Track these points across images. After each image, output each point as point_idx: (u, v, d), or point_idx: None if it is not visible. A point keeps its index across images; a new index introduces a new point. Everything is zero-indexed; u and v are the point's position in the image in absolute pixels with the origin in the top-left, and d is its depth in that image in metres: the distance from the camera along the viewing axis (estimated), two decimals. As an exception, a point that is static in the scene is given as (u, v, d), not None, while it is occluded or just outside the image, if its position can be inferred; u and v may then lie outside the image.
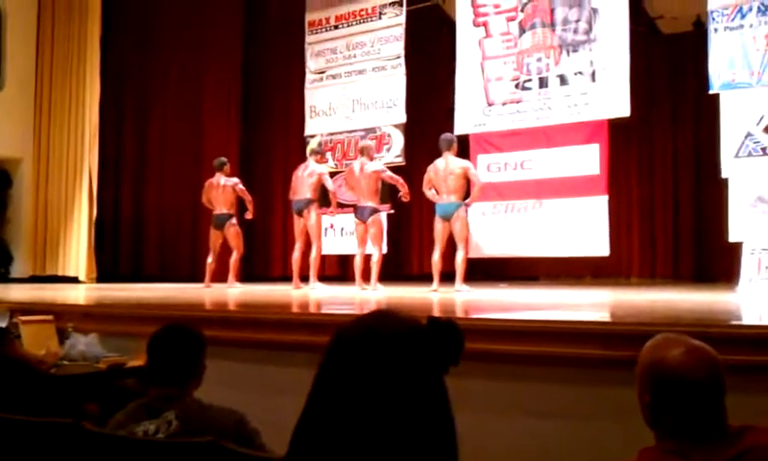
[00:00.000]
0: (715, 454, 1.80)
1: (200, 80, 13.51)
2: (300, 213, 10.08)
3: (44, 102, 13.19)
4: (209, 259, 10.61)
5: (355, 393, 1.21)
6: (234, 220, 10.63)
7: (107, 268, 12.64)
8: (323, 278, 10.59)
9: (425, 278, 9.79)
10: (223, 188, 10.58)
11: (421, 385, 1.23)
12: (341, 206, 10.55)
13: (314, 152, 10.57)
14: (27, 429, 2.45)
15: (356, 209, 9.69)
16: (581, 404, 3.84)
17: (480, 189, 9.11)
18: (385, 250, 9.89)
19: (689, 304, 6.53)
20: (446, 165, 8.98)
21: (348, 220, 10.52)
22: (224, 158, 10.93)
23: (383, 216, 9.86)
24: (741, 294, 8.13)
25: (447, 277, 9.08)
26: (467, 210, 9.08)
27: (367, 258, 9.59)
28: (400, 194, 9.64)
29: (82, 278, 12.35)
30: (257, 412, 2.85)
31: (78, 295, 9.17)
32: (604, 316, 5.89)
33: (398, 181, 9.59)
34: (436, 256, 9.03)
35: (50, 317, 5.57)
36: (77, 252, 12.53)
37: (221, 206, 10.56)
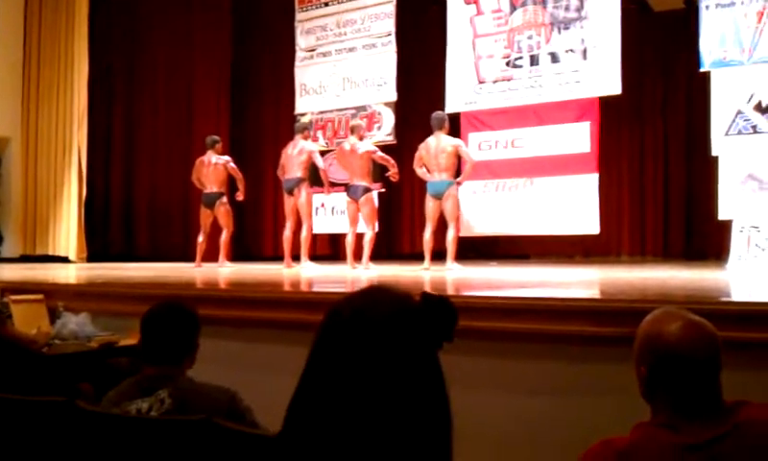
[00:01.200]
0: (710, 429, 1.82)
1: (189, 58, 13.43)
2: (290, 192, 10.05)
3: (32, 81, 13.09)
4: (200, 238, 10.59)
5: (349, 370, 1.21)
6: (225, 199, 10.59)
7: (97, 247, 12.61)
8: (314, 257, 10.60)
9: (417, 256, 9.81)
10: (214, 166, 10.53)
11: (416, 361, 1.23)
12: (332, 184, 10.54)
13: (300, 129, 10.52)
14: (20, 408, 2.46)
15: (348, 188, 9.68)
16: (572, 381, 3.86)
17: (472, 167, 9.11)
18: (377, 229, 9.89)
19: (680, 282, 6.56)
20: (438, 143, 8.97)
21: (340, 199, 10.51)
22: (216, 137, 10.88)
23: (375, 195, 9.85)
24: (731, 271, 8.18)
25: (439, 255, 9.10)
26: (458, 189, 9.08)
27: (359, 237, 9.59)
28: (390, 173, 9.63)
29: (72, 257, 12.31)
30: (250, 390, 2.86)
31: (68, 274, 9.15)
32: (594, 293, 5.92)
33: (389, 161, 9.58)
34: (427, 235, 9.03)
35: (40, 296, 5.56)
36: (67, 231, 12.49)
37: (211, 185, 10.52)
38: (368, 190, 9.51)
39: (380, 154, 9.62)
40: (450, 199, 8.89)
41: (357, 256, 9.49)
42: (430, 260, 8.92)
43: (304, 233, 10.01)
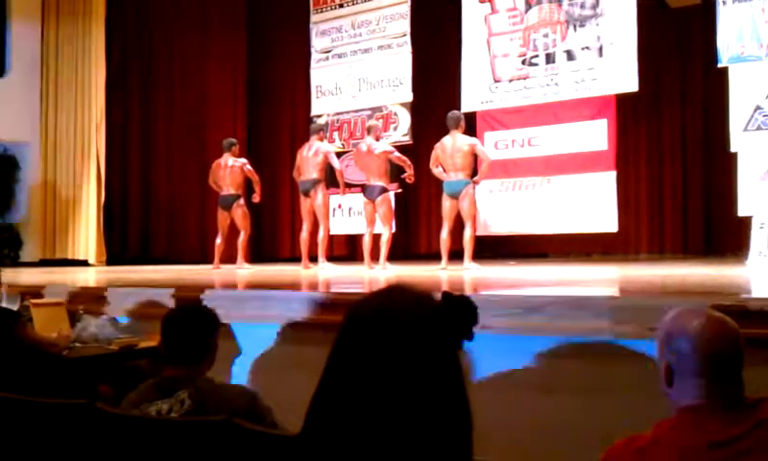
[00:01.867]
0: (732, 426, 1.81)
1: (205, 60, 13.48)
2: (306, 194, 10.05)
3: (50, 85, 13.18)
4: (218, 240, 10.62)
5: (369, 370, 1.21)
6: (242, 201, 10.61)
7: (116, 251, 12.67)
8: (331, 257, 10.61)
9: (434, 256, 9.79)
10: (231, 169, 10.56)
11: (436, 360, 1.23)
12: (348, 185, 10.54)
13: (315, 130, 10.53)
14: (41, 411, 2.47)
15: (365, 189, 9.67)
16: (592, 379, 3.84)
17: (488, 166, 9.08)
18: (394, 229, 9.88)
19: (699, 278, 6.52)
20: (454, 143, 8.95)
21: (357, 200, 10.52)
22: (233, 139, 10.91)
23: (392, 195, 9.84)
24: (751, 268, 8.11)
25: (456, 255, 9.08)
26: (475, 188, 9.05)
27: (376, 238, 9.59)
28: (405, 175, 9.62)
29: (91, 260, 12.38)
30: (270, 391, 2.86)
31: (88, 277, 9.20)
32: (614, 291, 5.89)
33: (406, 161, 9.57)
34: (444, 234, 9.02)
35: (61, 300, 5.60)
36: (86, 235, 12.56)
37: (228, 187, 10.55)
38: (384, 190, 9.51)
39: (397, 154, 9.61)
40: (467, 198, 8.87)
41: (374, 257, 9.48)
42: (447, 260, 8.91)
43: (321, 234, 10.02)
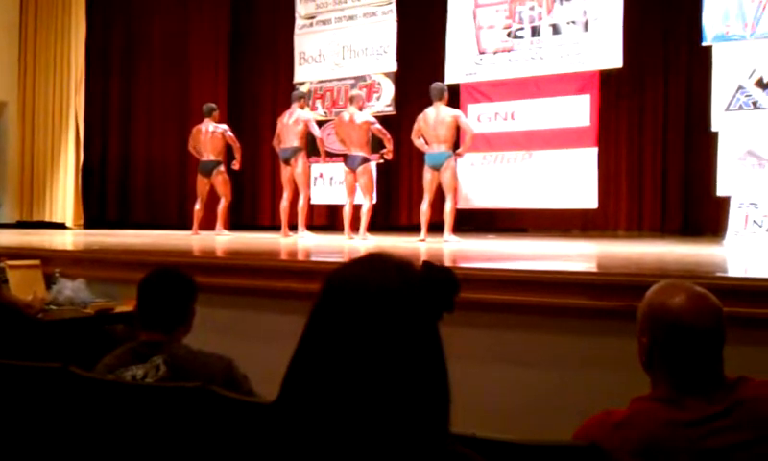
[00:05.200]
0: (710, 404, 1.81)
1: (186, 24, 13.32)
2: (287, 162, 10.00)
3: (29, 45, 12.99)
4: (197, 207, 10.55)
5: (347, 339, 1.19)
6: (222, 167, 10.54)
7: (94, 214, 12.59)
8: (311, 227, 10.57)
9: (414, 228, 9.78)
10: (212, 135, 10.47)
11: (415, 330, 1.22)
12: (330, 155, 10.49)
13: (296, 98, 10.46)
14: (15, 374, 2.44)
15: (346, 158, 9.62)
16: (569, 354, 3.86)
17: (472, 138, 9.05)
18: (375, 200, 9.85)
19: (676, 256, 6.56)
20: (437, 114, 8.91)
21: (338, 169, 10.47)
22: (213, 104, 10.81)
23: (373, 166, 9.79)
24: (728, 247, 8.17)
25: (436, 227, 9.08)
26: (456, 160, 9.02)
27: (356, 208, 9.56)
28: (384, 151, 9.57)
29: (69, 223, 12.30)
30: (246, 359, 2.85)
31: (65, 240, 9.13)
32: (591, 267, 5.91)
33: (386, 135, 9.51)
34: (424, 206, 9.00)
35: (37, 262, 5.55)
36: (64, 197, 12.47)
37: (208, 153, 10.47)
38: (366, 161, 9.46)
39: (378, 126, 9.55)
40: (449, 170, 8.84)
41: (354, 227, 9.46)
42: (426, 232, 8.90)
43: (301, 203, 9.99)
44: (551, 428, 3.66)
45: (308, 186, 10.18)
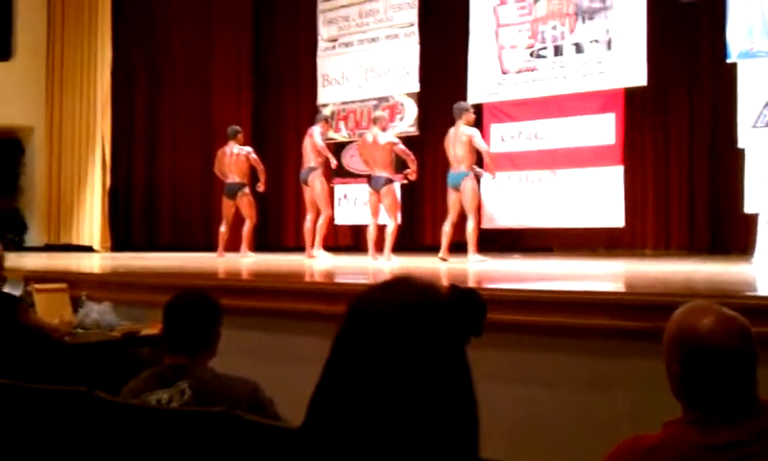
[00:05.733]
0: (745, 428, 1.76)
1: (210, 47, 13.45)
2: (305, 182, 10.04)
3: (56, 70, 13.15)
4: (222, 229, 10.60)
5: (373, 362, 1.18)
6: (247, 189, 10.59)
7: (120, 237, 12.66)
8: (336, 248, 10.58)
9: (439, 248, 9.75)
10: (236, 157, 10.53)
11: (442, 355, 1.20)
12: (353, 176, 10.50)
13: (319, 120, 10.51)
14: (41, 397, 2.45)
15: (370, 179, 9.62)
16: (596, 376, 3.81)
17: (489, 156, 9.02)
18: (400, 220, 9.83)
19: (704, 275, 6.48)
20: (455, 134, 8.90)
21: (362, 190, 10.47)
22: (237, 127, 10.87)
23: (397, 186, 9.78)
24: (757, 265, 8.06)
25: (461, 247, 9.03)
26: (476, 179, 8.93)
27: (380, 229, 9.54)
28: (408, 171, 9.55)
29: (96, 246, 12.38)
30: (271, 382, 2.84)
31: (92, 263, 9.20)
32: (619, 286, 5.86)
33: (410, 156, 9.48)
34: (446, 226, 8.97)
35: (64, 285, 5.58)
36: (91, 220, 12.55)
37: (233, 175, 10.53)
38: (389, 181, 9.45)
39: (401, 147, 9.52)
40: (467, 190, 8.78)
41: (379, 248, 9.44)
42: (446, 250, 8.84)
43: (320, 222, 9.99)
44: (578, 452, 3.62)
45: (328, 206, 10.16)
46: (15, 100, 12.76)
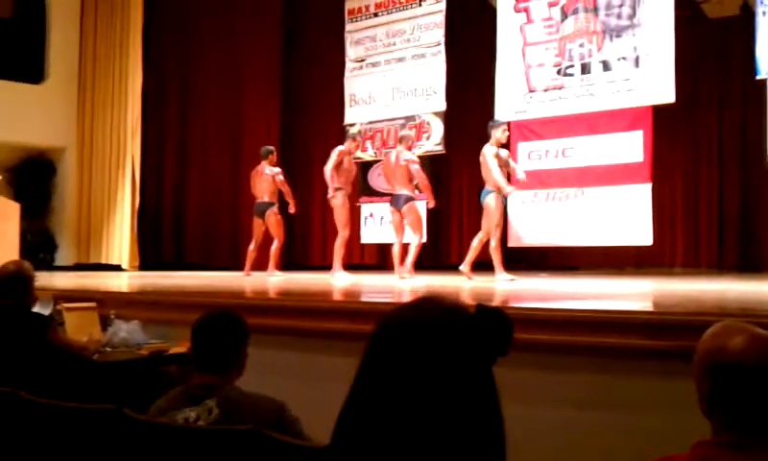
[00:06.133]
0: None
1: (239, 69, 13.58)
2: (330, 201, 10.07)
3: (87, 91, 13.34)
4: (250, 247, 10.64)
5: (401, 382, 1.17)
6: (275, 208, 10.62)
7: (149, 256, 12.77)
8: (362, 266, 10.57)
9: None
10: (266, 177, 10.61)
11: (469, 375, 1.19)
12: (379, 195, 10.48)
13: (347, 137, 10.56)
14: (69, 415, 2.47)
15: (392, 198, 9.63)
16: (625, 396, 3.77)
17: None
18: (425, 237, 9.79)
19: (735, 294, 6.41)
20: (481, 153, 8.91)
21: (387, 209, 10.47)
22: (270, 147, 10.93)
23: (418, 204, 9.72)
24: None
25: (488, 266, 8.99)
26: (497, 198, 8.83)
27: (405, 247, 9.51)
28: (424, 194, 9.54)
29: (125, 266, 12.49)
30: (298, 401, 2.83)
31: (120, 282, 9.27)
32: (648, 305, 5.79)
33: (424, 179, 9.45)
34: (474, 242, 8.95)
35: (93, 304, 5.63)
36: (120, 240, 12.68)
37: (263, 195, 10.59)
38: (410, 199, 9.43)
39: (416, 167, 9.42)
40: (487, 208, 8.77)
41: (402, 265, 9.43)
42: (470, 267, 8.82)
43: (337, 242, 9.98)
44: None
45: (346, 227, 10.05)
46: (48, 122, 12.97)
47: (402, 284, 8.49)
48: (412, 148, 9.89)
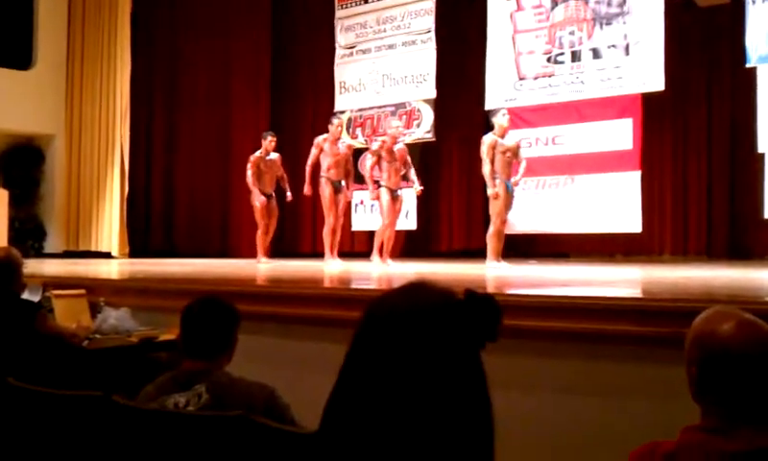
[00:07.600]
0: (763, 435, 1.75)
1: (228, 55, 13.50)
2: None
3: (76, 78, 13.26)
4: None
5: (389, 368, 1.18)
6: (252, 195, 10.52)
7: (139, 244, 12.73)
8: (352, 254, 10.56)
9: (454, 254, 9.75)
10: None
11: (457, 360, 1.20)
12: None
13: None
14: (59, 402, 2.47)
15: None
16: (613, 382, 3.79)
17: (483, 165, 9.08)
18: (387, 221, 9.61)
19: (724, 281, 6.44)
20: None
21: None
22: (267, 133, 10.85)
23: (382, 192, 9.54)
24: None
25: (481, 253, 9.00)
26: (503, 187, 8.84)
27: (398, 234, 9.51)
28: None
29: (114, 253, 12.45)
30: (288, 387, 2.84)
31: (110, 269, 9.25)
32: (636, 292, 5.82)
33: (367, 175, 9.57)
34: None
35: (82, 291, 5.62)
36: (109, 227, 12.63)
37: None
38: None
39: (370, 157, 9.59)
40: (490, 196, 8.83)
41: (392, 253, 9.45)
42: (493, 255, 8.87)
43: (325, 229, 9.93)
44: (594, 458, 3.59)
45: (330, 214, 9.93)
46: (36, 108, 12.89)
47: (388, 270, 8.50)
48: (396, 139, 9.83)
